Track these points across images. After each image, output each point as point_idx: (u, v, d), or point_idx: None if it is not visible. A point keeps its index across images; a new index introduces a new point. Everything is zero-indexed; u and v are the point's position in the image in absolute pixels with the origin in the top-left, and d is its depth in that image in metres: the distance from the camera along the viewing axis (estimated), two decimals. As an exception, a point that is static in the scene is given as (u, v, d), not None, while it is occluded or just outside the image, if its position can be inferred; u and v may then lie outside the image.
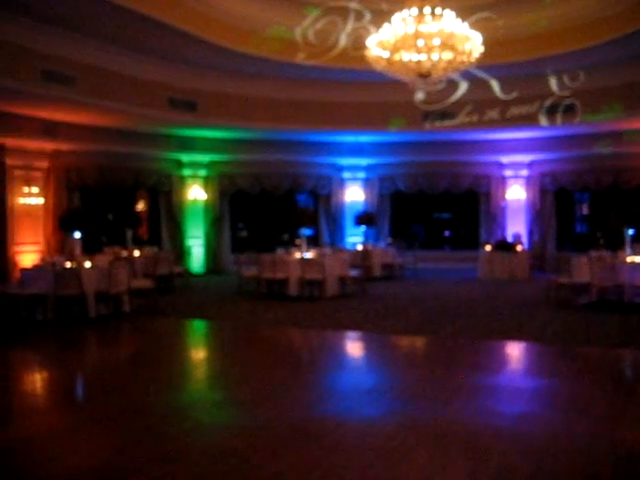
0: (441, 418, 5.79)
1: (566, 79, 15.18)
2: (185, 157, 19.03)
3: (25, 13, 11.31)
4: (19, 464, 4.82)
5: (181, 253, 18.41)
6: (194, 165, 19.39)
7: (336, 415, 5.94)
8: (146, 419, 5.87)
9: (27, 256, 15.48)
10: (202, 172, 19.60)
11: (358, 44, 13.28)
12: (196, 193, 19.52)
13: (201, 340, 10.84)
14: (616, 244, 13.81)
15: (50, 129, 14.99)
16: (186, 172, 19.43)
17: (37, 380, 8.00)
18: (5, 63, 11.62)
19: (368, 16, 14.10)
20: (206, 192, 19.71)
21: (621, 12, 12.59)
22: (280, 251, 14.76)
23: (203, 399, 6.79)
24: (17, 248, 15.67)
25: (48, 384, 7.75)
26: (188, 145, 18.21)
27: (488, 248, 17.73)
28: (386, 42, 10.25)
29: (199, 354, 9.64)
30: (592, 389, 6.77)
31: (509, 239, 18.27)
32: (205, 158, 19.23)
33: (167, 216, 19.20)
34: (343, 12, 14.20)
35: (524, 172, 19.82)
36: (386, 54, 10.37)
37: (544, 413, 6.02)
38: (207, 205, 19.86)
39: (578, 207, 21.20)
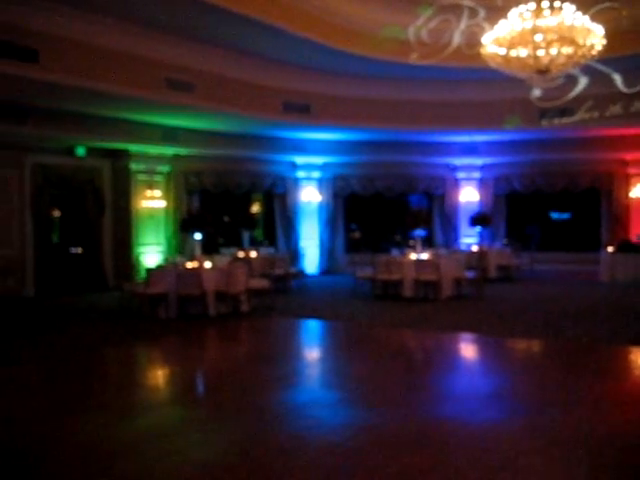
0: (566, 424, 5.61)
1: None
2: (299, 159, 19.29)
3: (149, 25, 11.81)
4: (144, 457, 5.03)
5: (296, 254, 18.69)
6: (308, 167, 19.63)
7: (456, 417, 5.88)
8: (265, 416, 6.00)
9: (150, 257, 16.16)
10: (316, 174, 19.81)
11: (472, 42, 13.06)
12: (310, 195, 19.75)
13: (317, 340, 10.95)
14: None
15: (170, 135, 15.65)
16: (300, 174, 19.70)
17: (160, 375, 8.34)
18: (130, 73, 12.17)
19: (482, 13, 13.84)
20: (320, 194, 19.90)
21: None
22: (395, 252, 14.73)
23: (320, 398, 6.86)
24: (141, 249, 16.39)
25: (171, 379, 8.04)
26: (302, 147, 18.46)
27: (610, 249, 17.00)
28: (502, 38, 10.04)
29: (315, 353, 9.74)
30: None
31: (633, 239, 17.48)
32: (319, 160, 19.43)
33: (282, 218, 19.54)
34: (457, 10, 13.99)
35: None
36: (502, 51, 10.16)
37: (676, 421, 5.74)
38: (321, 206, 20.06)
39: None
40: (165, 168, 16.89)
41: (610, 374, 7.60)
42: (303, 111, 15.67)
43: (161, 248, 16.78)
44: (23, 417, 6.14)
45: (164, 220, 16.93)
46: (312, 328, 11.56)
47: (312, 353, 9.77)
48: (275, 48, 13.48)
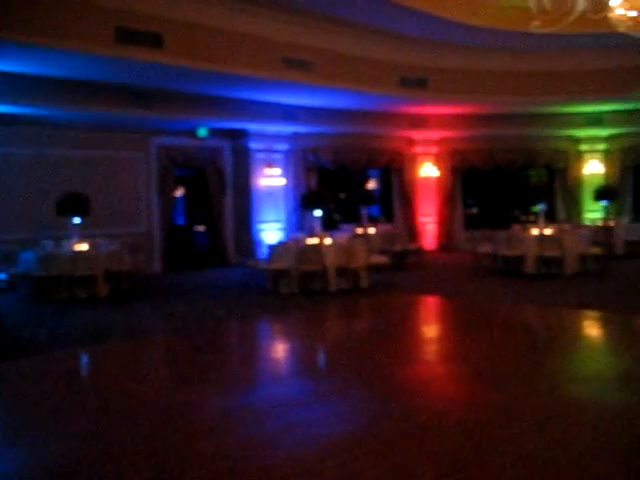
0: None
1: None
2: (417, 135, 19.06)
3: (266, 4, 11.95)
4: (274, 426, 5.16)
5: (413, 230, 18.57)
6: (426, 142, 19.37)
7: (584, 398, 5.73)
8: (387, 390, 6.02)
9: (270, 233, 16.50)
10: (433, 149, 19.54)
11: (598, 6, 12.48)
12: (428, 170, 19.50)
13: (437, 316, 10.91)
14: None
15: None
16: (418, 149, 19.49)
17: (284, 349, 8.55)
18: (249, 54, 12.37)
19: (610, -25, 13.18)
20: (438, 169, 19.61)
21: None
22: (516, 228, 14.39)
23: (444, 374, 6.83)
24: (261, 226, 16.77)
25: (294, 353, 8.23)
26: (419, 123, 18.21)
27: None
28: (633, 0, 9.53)
29: (435, 330, 9.69)
30: None
31: None
32: (437, 135, 19.13)
33: (399, 194, 19.43)
34: (582, -26, 13.39)
35: None
36: (632, 14, 9.65)
37: None
38: (439, 182, 19.79)
39: None
40: (284, 146, 17.15)
41: None
42: (420, 85, 15.44)
43: (281, 225, 17.09)
44: (151, 386, 6.47)
45: (283, 198, 17.22)
46: (432, 305, 11.51)
47: (432, 330, 9.73)
48: (392, 22, 13.32)
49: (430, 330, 9.64)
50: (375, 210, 19.44)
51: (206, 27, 11.66)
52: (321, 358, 7.98)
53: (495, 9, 13.60)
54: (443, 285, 12.80)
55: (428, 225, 19.62)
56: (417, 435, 4.84)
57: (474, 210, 21.50)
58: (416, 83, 15.32)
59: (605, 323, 9.51)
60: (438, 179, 19.72)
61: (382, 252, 13.86)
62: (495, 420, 5.11)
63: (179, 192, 17.89)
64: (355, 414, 5.43)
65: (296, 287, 11.65)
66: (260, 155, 16.81)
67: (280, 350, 8.52)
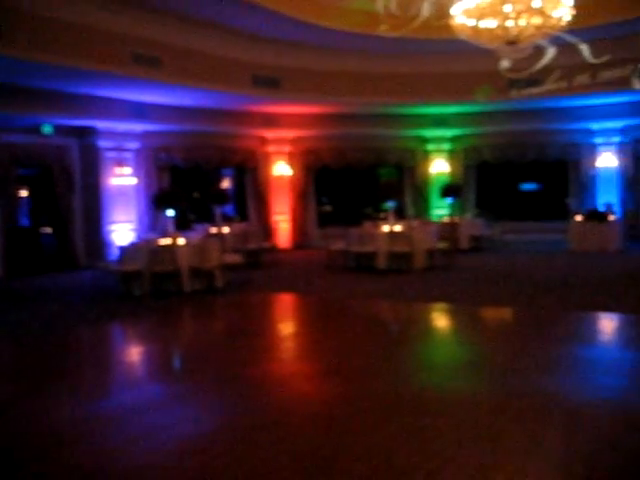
0: (540, 391, 5.71)
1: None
2: (269, 134, 19.15)
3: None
4: (131, 432, 5.05)
5: (268, 229, 18.65)
6: (279, 142, 19.51)
7: (432, 387, 5.98)
8: (247, 389, 6.04)
9: (121, 234, 16.02)
10: (286, 148, 19.70)
11: (441, 13, 13.03)
12: (281, 169, 19.65)
13: (293, 313, 11.01)
14: None
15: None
16: (271, 149, 19.58)
17: (138, 353, 8.33)
18: (95, 48, 11.96)
19: (451, -16, 13.80)
20: (292, 168, 19.80)
21: None
22: (367, 224, 14.80)
23: (300, 370, 6.93)
24: (112, 227, 16.24)
25: (149, 356, 8.03)
26: (272, 122, 18.33)
27: (579, 218, 17.21)
28: (471, 9, 10.04)
29: (291, 327, 9.77)
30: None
31: (600, 208, 17.68)
32: (290, 134, 19.29)
33: (253, 192, 19.46)
34: (425, -19, 13.93)
35: (616, 139, 19.10)
36: (471, 22, 10.16)
37: (647, 384, 5.90)
38: (292, 181, 19.98)
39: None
40: (134, 145, 16.69)
41: (583, 341, 7.79)
42: (272, 85, 15.57)
43: (132, 225, 16.64)
44: None
45: (135, 197, 16.78)
46: (287, 302, 11.61)
47: (287, 327, 9.80)
48: (243, 20, 13.33)
49: (285, 327, 9.71)
50: (229, 209, 19.32)
51: (51, 18, 11.19)
52: (176, 360, 7.87)
53: (345, 11, 13.90)
54: (297, 282, 12.95)
55: (282, 223, 19.78)
56: (274, 432, 4.87)
57: (327, 208, 21.91)
58: (268, 82, 15.43)
59: (453, 315, 9.99)
60: (292, 178, 19.92)
61: (236, 251, 13.83)
62: (348, 413, 5.24)
63: (23, 192, 17.02)
64: (212, 414, 5.41)
65: (149, 289, 11.39)
66: (110, 154, 16.28)
67: (134, 354, 8.31)
